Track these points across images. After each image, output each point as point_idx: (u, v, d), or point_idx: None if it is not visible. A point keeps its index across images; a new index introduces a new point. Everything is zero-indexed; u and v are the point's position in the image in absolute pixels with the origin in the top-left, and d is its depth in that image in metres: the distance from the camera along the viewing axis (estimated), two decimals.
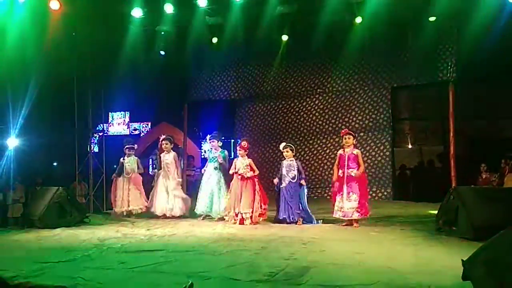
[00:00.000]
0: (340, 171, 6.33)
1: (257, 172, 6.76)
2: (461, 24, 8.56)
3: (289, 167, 6.66)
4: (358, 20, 8.88)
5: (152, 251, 4.57)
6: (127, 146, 7.69)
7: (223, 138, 7.76)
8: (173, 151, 7.57)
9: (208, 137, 7.38)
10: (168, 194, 7.29)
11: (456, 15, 8.51)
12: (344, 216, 6.23)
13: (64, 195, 6.38)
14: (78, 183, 9.84)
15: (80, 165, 9.63)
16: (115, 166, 7.96)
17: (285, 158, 6.77)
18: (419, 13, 8.64)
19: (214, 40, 10.00)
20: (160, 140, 7.57)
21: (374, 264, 3.92)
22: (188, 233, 5.72)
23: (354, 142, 6.42)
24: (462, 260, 3.02)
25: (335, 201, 6.37)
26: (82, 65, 9.70)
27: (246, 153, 6.86)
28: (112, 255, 4.43)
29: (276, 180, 6.77)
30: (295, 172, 6.63)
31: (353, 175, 6.20)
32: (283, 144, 6.88)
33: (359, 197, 6.15)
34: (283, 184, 6.64)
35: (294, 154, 6.81)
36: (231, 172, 6.79)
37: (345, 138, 6.40)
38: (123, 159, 7.61)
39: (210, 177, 7.10)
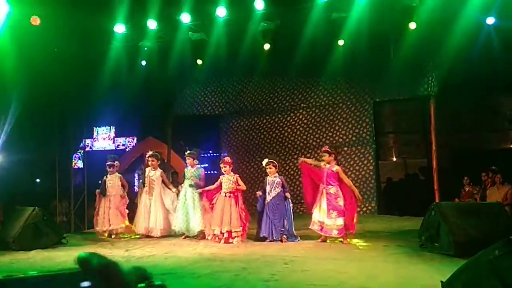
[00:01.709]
0: (321, 186, 6.30)
1: (244, 187, 6.66)
2: (441, 39, 8.68)
3: (273, 184, 6.58)
4: (340, 42, 9.01)
5: None
6: (107, 163, 7.54)
7: (204, 154, 7.65)
8: (161, 167, 7.44)
9: (186, 153, 7.22)
10: (150, 213, 7.13)
11: (436, 30, 8.64)
12: (321, 231, 6.17)
13: (40, 215, 6.19)
14: (59, 201, 9.63)
15: (61, 182, 9.43)
16: (99, 182, 7.78)
17: (268, 174, 6.70)
18: (400, 28, 8.76)
19: (199, 61, 10.01)
20: (147, 156, 7.40)
21: (355, 284, 3.86)
22: (168, 254, 5.58)
23: (332, 159, 6.36)
24: (442, 281, 2.98)
25: (310, 205, 6.33)
26: (65, 81, 9.58)
27: (231, 168, 6.75)
28: None
29: (259, 193, 6.66)
30: (280, 189, 6.56)
31: (332, 192, 6.17)
32: (266, 160, 6.80)
33: (342, 215, 6.08)
34: (267, 200, 6.55)
35: (277, 170, 6.75)
36: (212, 187, 6.67)
37: (323, 156, 6.38)
38: (106, 177, 7.42)
39: (186, 194, 6.98)
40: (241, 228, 6.40)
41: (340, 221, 6.05)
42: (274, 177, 6.63)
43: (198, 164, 7.19)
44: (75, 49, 9.19)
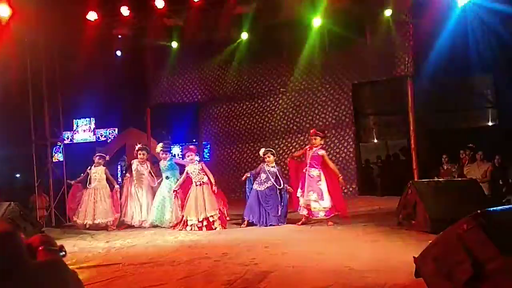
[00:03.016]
0: (305, 168, 6.33)
1: (212, 177, 6.59)
2: (416, 18, 8.73)
3: (270, 173, 6.53)
4: (317, 20, 8.94)
5: (108, 265, 4.38)
6: (97, 154, 7.41)
7: (184, 143, 7.64)
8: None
9: (159, 146, 7.22)
10: (141, 205, 7.10)
11: (410, 11, 8.68)
12: (309, 214, 6.23)
13: (17, 210, 6.08)
14: (38, 195, 9.43)
15: (40, 176, 9.25)
16: (82, 174, 7.64)
17: (265, 163, 6.64)
18: (375, 10, 8.77)
19: (174, 42, 9.83)
20: (136, 149, 7.32)
21: (333, 264, 3.91)
22: (149, 243, 5.55)
23: (321, 143, 6.40)
24: (414, 257, 3.03)
25: (295, 192, 6.38)
26: (38, 72, 9.32)
27: (196, 156, 6.69)
28: None
29: (247, 175, 6.63)
30: (274, 179, 6.52)
31: (314, 174, 6.20)
32: (263, 149, 6.79)
33: (321, 198, 6.13)
34: (259, 188, 6.53)
35: (275, 158, 6.73)
36: (181, 180, 6.68)
37: (313, 139, 6.40)
38: (90, 169, 7.27)
39: (162, 186, 7.03)
40: (217, 211, 6.39)
41: (326, 203, 6.11)
42: (272, 167, 6.60)
43: (169, 155, 7.23)
44: (48, 38, 8.93)
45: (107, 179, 7.30)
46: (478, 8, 8.30)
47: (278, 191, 6.52)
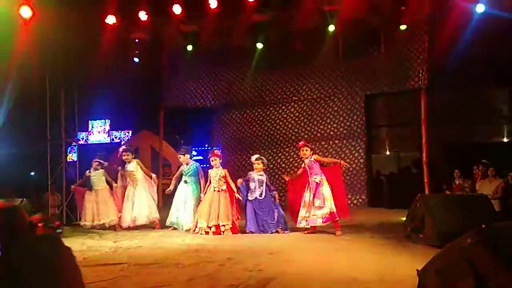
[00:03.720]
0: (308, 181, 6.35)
1: (233, 186, 6.57)
2: (432, 32, 8.69)
3: (259, 182, 6.55)
4: (331, 28, 8.95)
5: (114, 264, 4.45)
6: (96, 160, 7.56)
7: (197, 148, 7.71)
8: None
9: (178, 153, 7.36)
10: (134, 203, 7.17)
11: (426, 23, 8.65)
12: (308, 225, 6.23)
13: (29, 207, 6.23)
14: (51, 193, 9.62)
15: (53, 175, 9.43)
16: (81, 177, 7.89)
17: (253, 170, 6.67)
18: (390, 21, 8.77)
19: (189, 48, 9.97)
20: (120, 152, 7.49)
21: (337, 273, 3.89)
22: (156, 245, 5.61)
23: (311, 153, 6.42)
24: (417, 269, 3.01)
25: (293, 207, 6.41)
26: (56, 73, 9.53)
27: (220, 161, 6.74)
28: None
29: (240, 181, 6.62)
30: (264, 187, 6.54)
31: (317, 181, 6.21)
32: (256, 156, 6.81)
33: (323, 203, 6.11)
34: (251, 198, 6.53)
35: (264, 167, 6.74)
36: (207, 184, 6.67)
37: (302, 151, 6.43)
38: (89, 172, 7.47)
39: (180, 189, 7.04)
40: (230, 222, 6.39)
41: (324, 210, 6.08)
42: (260, 175, 6.61)
43: (191, 159, 7.28)
44: (67, 40, 9.13)
45: (107, 181, 7.48)
46: (496, 21, 8.22)
47: (270, 197, 6.53)
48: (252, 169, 6.75)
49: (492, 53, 8.75)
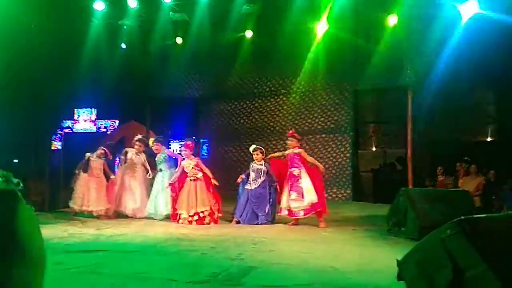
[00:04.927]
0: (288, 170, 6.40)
1: (209, 173, 6.64)
2: (420, 31, 8.74)
3: (258, 171, 6.56)
4: (323, 26, 8.98)
5: (96, 251, 4.41)
6: (103, 148, 7.41)
7: (180, 140, 7.74)
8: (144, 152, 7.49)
9: (151, 140, 7.37)
10: (134, 194, 7.15)
11: (415, 23, 8.70)
12: (289, 215, 6.29)
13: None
14: (34, 181, 9.48)
15: (38, 163, 9.29)
16: (81, 161, 7.70)
17: (253, 160, 6.68)
18: (381, 19, 8.79)
19: (179, 39, 9.89)
20: (135, 139, 7.41)
21: (318, 263, 3.92)
22: (139, 233, 5.57)
23: (297, 145, 6.47)
24: (397, 260, 3.04)
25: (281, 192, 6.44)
26: (43, 60, 9.35)
27: (191, 152, 6.76)
28: (50, 255, 4.22)
29: (242, 176, 6.67)
30: (264, 177, 6.54)
31: (295, 174, 6.25)
32: (253, 146, 6.82)
33: (302, 196, 6.15)
34: (250, 187, 6.55)
35: (264, 156, 6.74)
36: (177, 173, 6.69)
37: (289, 140, 6.50)
38: (92, 156, 7.30)
39: (157, 178, 7.13)
40: (208, 208, 6.42)
41: (305, 202, 6.13)
42: (260, 164, 6.61)
43: (163, 148, 7.32)
44: (54, 26, 8.96)
45: (105, 172, 7.38)
46: (484, 22, 8.31)
47: (268, 189, 6.53)
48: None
49: (479, 54, 8.83)
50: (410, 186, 8.19)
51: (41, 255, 1.58)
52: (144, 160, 7.37)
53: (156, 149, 7.20)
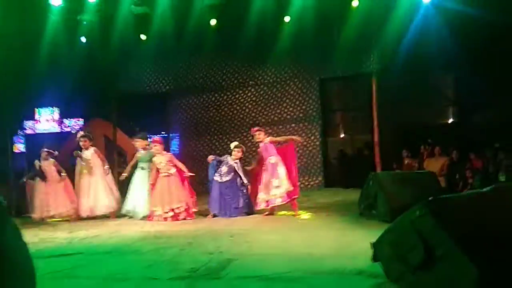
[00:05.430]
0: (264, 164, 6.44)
1: (182, 167, 6.60)
2: (382, 18, 8.94)
3: (230, 168, 6.57)
4: (287, 19, 9.03)
5: (70, 254, 4.31)
6: (45, 150, 7.24)
7: (152, 135, 7.58)
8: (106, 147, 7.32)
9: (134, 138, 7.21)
10: (90, 192, 6.97)
11: (378, 9, 8.89)
12: (267, 205, 6.35)
13: None
14: None
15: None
16: (29, 170, 7.53)
17: (230, 155, 6.67)
18: (344, 7, 8.93)
19: (143, 36, 9.69)
20: (78, 137, 7.23)
21: (295, 251, 4.01)
22: (113, 233, 5.48)
23: (265, 136, 6.53)
24: (371, 242, 3.16)
25: (255, 192, 6.48)
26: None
27: (162, 147, 6.69)
28: None
29: (211, 157, 6.68)
30: (233, 175, 6.56)
31: (273, 162, 6.32)
32: (235, 143, 6.83)
33: (285, 180, 6.23)
34: (220, 180, 6.55)
35: (242, 156, 6.75)
36: (153, 172, 6.61)
37: (255, 136, 6.54)
38: (39, 162, 7.15)
39: (136, 176, 6.94)
40: (184, 203, 6.39)
41: (282, 189, 6.21)
42: (235, 162, 6.63)
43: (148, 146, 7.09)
44: (9, 23, 8.55)
45: (57, 171, 7.23)
46: (441, 7, 8.60)
47: (239, 185, 6.57)
48: (213, 154, 6.75)
49: (440, 40, 9.14)
50: (379, 170, 8.43)
51: (30, 265, 1.52)
52: (95, 152, 7.15)
53: (140, 145, 6.98)
